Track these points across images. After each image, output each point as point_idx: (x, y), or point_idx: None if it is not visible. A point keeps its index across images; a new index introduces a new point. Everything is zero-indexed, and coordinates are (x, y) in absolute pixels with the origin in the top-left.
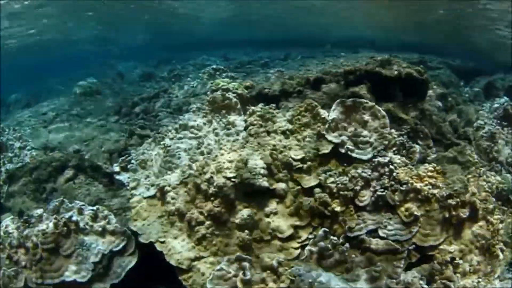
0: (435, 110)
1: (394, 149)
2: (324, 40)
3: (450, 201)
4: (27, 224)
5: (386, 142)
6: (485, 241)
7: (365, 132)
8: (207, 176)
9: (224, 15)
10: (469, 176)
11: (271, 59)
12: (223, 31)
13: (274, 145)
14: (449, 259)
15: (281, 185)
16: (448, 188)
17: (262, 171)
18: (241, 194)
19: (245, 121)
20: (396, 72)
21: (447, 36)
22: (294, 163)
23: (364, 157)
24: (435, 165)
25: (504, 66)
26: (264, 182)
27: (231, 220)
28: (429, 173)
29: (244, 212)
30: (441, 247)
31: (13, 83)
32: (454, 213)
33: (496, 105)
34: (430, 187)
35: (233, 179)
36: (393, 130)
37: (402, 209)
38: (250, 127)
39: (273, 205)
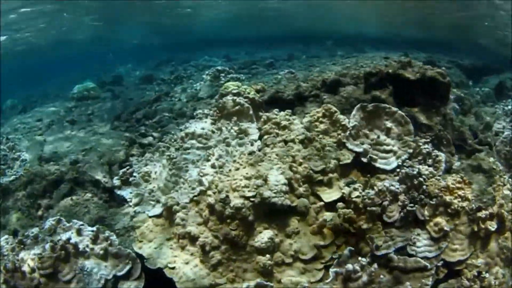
0: (453, 114)
1: (419, 158)
2: (325, 38)
3: (479, 214)
4: (22, 246)
5: (411, 151)
6: (510, 253)
7: (388, 140)
8: (222, 195)
9: (223, 13)
10: (494, 185)
11: (275, 59)
12: (222, 29)
13: (293, 157)
14: (476, 274)
15: (303, 202)
16: (477, 200)
17: (283, 188)
18: (260, 213)
19: (259, 129)
20: (418, 75)
21: (453, 32)
22: (315, 175)
23: (388, 167)
24: (462, 175)
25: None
26: (286, 201)
27: (249, 244)
28: (457, 185)
29: (264, 235)
30: (468, 261)
31: (9, 87)
32: (482, 226)
33: (510, 107)
34: (460, 199)
35: (252, 199)
36: (417, 138)
37: (431, 223)
38: (265, 136)
39: (294, 224)
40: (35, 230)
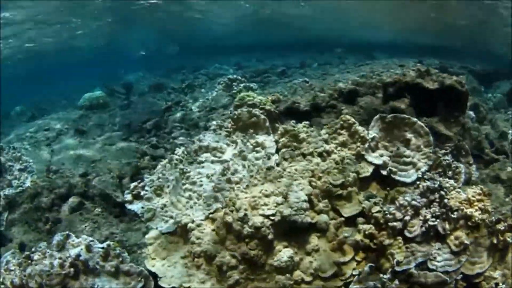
0: (470, 123)
1: (439, 169)
2: (335, 44)
3: (498, 226)
4: (29, 261)
5: (431, 162)
6: None
7: (408, 152)
8: (241, 214)
9: (234, 20)
10: None
11: (287, 66)
12: (232, 36)
13: (312, 171)
14: (494, 286)
15: (323, 218)
16: (496, 212)
17: (304, 205)
18: (280, 231)
19: (276, 141)
20: (437, 84)
21: (464, 38)
22: (334, 189)
23: (408, 180)
24: (482, 187)
25: None
26: (306, 218)
27: (268, 263)
28: (478, 197)
29: (284, 254)
30: (486, 273)
31: (18, 93)
32: (501, 238)
33: None
34: (480, 212)
35: (272, 217)
36: (437, 149)
37: (452, 237)
38: (283, 150)
39: (314, 241)
40: (42, 245)
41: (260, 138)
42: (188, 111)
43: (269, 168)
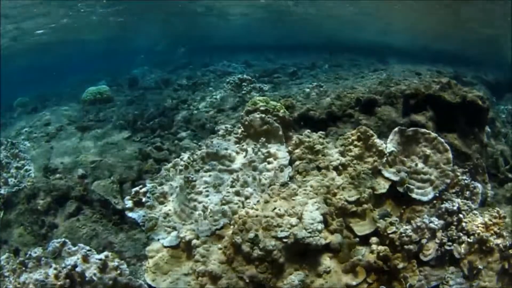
0: (487, 139)
1: (456, 188)
2: (347, 46)
3: (511, 251)
4: (24, 268)
5: (448, 181)
6: None
7: (426, 169)
8: (251, 235)
9: (244, 17)
10: None
11: (297, 67)
12: (241, 35)
13: (327, 187)
14: None
15: (337, 238)
16: (510, 235)
17: (319, 226)
18: (292, 253)
19: (289, 152)
20: (458, 98)
21: (479, 47)
22: (349, 206)
23: (424, 198)
24: (498, 209)
25: None
26: (321, 240)
27: (278, 286)
28: (494, 220)
29: (295, 278)
30: None
31: (23, 83)
32: None
33: None
34: (495, 236)
35: (285, 240)
36: (455, 167)
37: (465, 261)
38: (297, 162)
39: (326, 262)
40: (38, 250)
41: (273, 147)
42: (195, 110)
43: (283, 185)
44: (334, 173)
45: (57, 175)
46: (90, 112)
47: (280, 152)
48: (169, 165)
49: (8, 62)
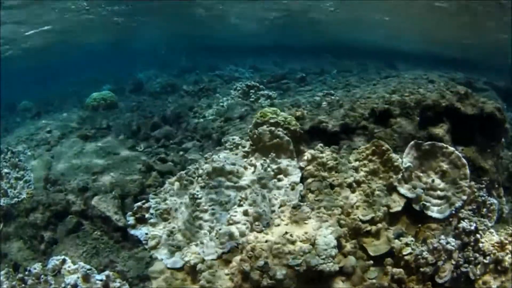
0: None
1: (473, 205)
2: (355, 50)
3: None
4: (23, 285)
5: (465, 198)
6: None
7: (442, 185)
8: (260, 262)
9: (252, 21)
10: None
11: (305, 72)
12: (248, 37)
13: (341, 207)
14: None
15: (350, 262)
16: None
17: (333, 252)
18: (303, 280)
19: (301, 168)
20: (476, 110)
21: (489, 52)
22: (362, 225)
23: (440, 216)
24: None
25: None
26: (335, 266)
27: None
28: (510, 238)
29: None
30: None
31: (27, 86)
32: None
33: None
34: (510, 255)
35: (297, 267)
36: (472, 183)
37: (480, 282)
38: (309, 180)
39: (339, 286)
40: (37, 266)
41: (283, 163)
42: (201, 118)
43: (295, 207)
44: (348, 191)
45: (57, 187)
46: (93, 119)
47: (291, 168)
48: (174, 178)
49: (11, 64)
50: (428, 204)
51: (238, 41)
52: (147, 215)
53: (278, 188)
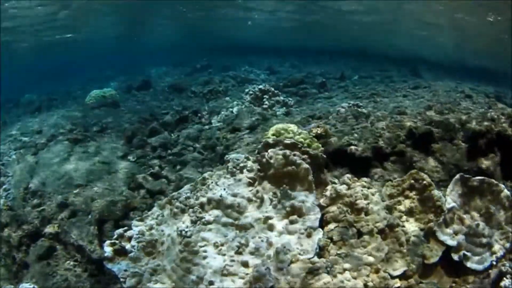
0: None
1: None
2: (376, 55)
3: None
4: None
5: (508, 245)
6: None
7: (486, 230)
8: None
9: (270, 21)
10: None
11: (325, 77)
12: (266, 38)
13: (369, 264)
14: None
15: None
16: None
17: None
18: None
19: (321, 206)
20: None
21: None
22: (391, 282)
23: (480, 267)
24: None
25: None
26: None
27: None
28: None
29: None
30: None
31: (37, 80)
32: None
33: None
34: None
35: None
36: None
37: None
38: (331, 226)
39: None
40: None
41: (298, 198)
42: (206, 125)
43: (312, 272)
44: (379, 239)
45: (35, 201)
46: (89, 119)
47: (309, 205)
48: (164, 200)
49: (18, 58)
50: (468, 253)
51: (255, 41)
52: (128, 246)
53: (290, 233)
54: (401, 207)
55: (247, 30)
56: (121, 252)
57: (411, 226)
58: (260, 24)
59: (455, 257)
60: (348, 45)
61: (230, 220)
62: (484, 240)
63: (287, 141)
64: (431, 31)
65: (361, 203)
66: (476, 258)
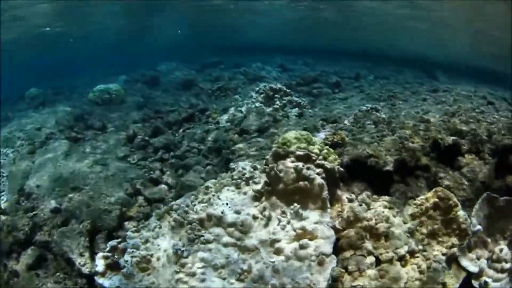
0: None
1: None
2: (391, 56)
3: None
4: None
5: None
6: None
7: (509, 255)
8: None
9: (282, 19)
10: None
11: (339, 76)
12: (279, 36)
13: None
14: None
15: None
16: None
17: None
18: None
19: (335, 228)
20: None
21: None
22: None
23: None
24: None
25: None
26: None
27: None
28: None
29: None
30: None
31: (45, 73)
32: None
33: None
34: None
35: None
36: None
37: None
38: (347, 254)
39: None
40: None
41: (311, 218)
42: (213, 125)
43: None
44: (398, 266)
45: (28, 204)
46: (90, 116)
47: (322, 228)
48: (163, 210)
49: (25, 52)
50: (489, 280)
51: (267, 39)
52: (121, 260)
53: (300, 259)
54: (424, 230)
55: (260, 29)
56: (113, 267)
57: (433, 251)
58: (272, 22)
59: (476, 284)
60: (362, 45)
61: (233, 240)
62: (506, 266)
63: (300, 152)
64: (447, 32)
65: (382, 227)
66: (496, 284)
